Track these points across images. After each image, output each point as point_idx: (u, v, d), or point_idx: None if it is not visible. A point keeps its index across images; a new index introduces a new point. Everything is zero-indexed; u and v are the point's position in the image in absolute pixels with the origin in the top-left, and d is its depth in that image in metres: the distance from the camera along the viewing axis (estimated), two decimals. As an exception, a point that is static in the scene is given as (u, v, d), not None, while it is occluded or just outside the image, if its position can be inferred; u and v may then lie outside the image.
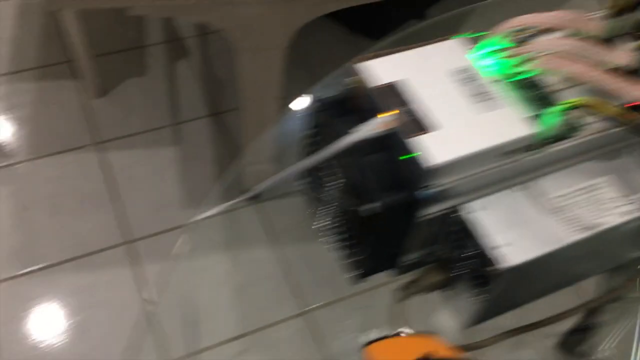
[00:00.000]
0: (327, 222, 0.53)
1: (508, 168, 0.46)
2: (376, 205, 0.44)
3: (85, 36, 1.39)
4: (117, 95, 1.58)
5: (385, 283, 0.62)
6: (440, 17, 1.02)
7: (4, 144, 1.46)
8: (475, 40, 0.50)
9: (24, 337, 1.20)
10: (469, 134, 0.45)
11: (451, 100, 0.46)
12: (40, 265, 1.30)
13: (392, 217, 0.46)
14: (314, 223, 0.55)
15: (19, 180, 1.41)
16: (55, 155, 1.45)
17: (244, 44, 1.05)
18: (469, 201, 0.46)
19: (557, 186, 0.48)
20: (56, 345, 1.20)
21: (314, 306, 1.30)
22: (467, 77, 0.47)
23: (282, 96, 1.20)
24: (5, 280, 1.27)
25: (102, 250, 1.33)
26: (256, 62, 1.08)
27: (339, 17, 1.71)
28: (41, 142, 1.47)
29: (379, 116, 0.45)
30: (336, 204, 0.50)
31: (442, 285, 0.53)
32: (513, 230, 0.46)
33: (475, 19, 0.98)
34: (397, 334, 0.29)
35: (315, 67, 1.69)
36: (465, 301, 0.51)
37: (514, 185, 0.47)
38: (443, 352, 0.28)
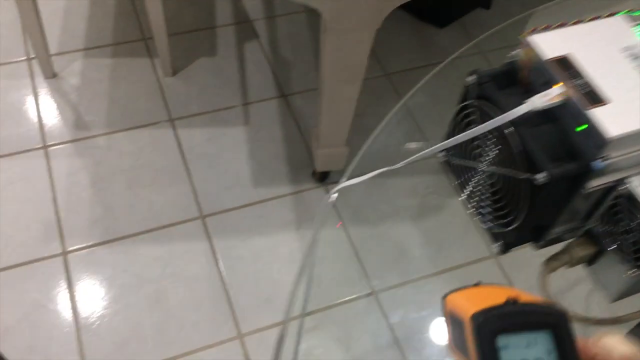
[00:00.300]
0: (476, 193, 0.55)
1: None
2: (550, 173, 0.45)
3: (163, 15, 1.42)
4: (189, 75, 1.61)
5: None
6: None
7: (82, 118, 1.50)
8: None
9: (101, 303, 1.24)
10: (641, 109, 0.46)
11: (622, 74, 0.47)
12: (117, 236, 1.33)
13: (559, 187, 0.47)
14: (461, 194, 0.56)
15: (96, 153, 1.45)
16: (131, 130, 1.49)
17: (337, 25, 1.06)
18: (636, 175, 0.48)
19: None
20: (132, 313, 1.24)
21: (383, 287, 1.32)
22: (636, 53, 0.49)
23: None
24: (83, 249, 1.31)
25: (176, 223, 1.36)
26: (346, 43, 1.10)
27: (407, 5, 1.71)
28: (117, 117, 1.51)
29: (554, 87, 0.46)
30: (493, 174, 0.52)
31: (590, 259, 0.54)
32: (679, 205, 0.47)
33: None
34: (477, 284, 0.29)
35: (384, 53, 1.71)
36: (614, 275, 0.52)
37: (683, 161, 0.48)
38: (525, 297, 0.28)
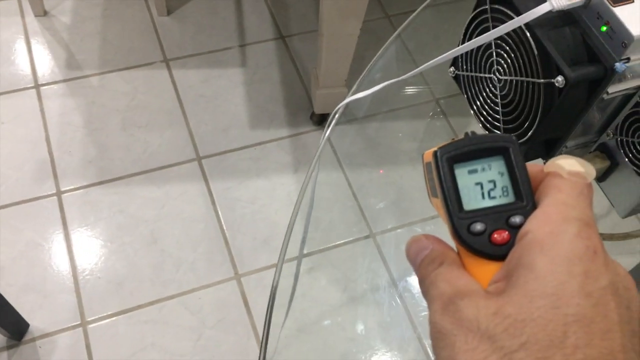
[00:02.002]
0: (487, 106, 0.53)
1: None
2: (572, 75, 0.43)
3: (157, -51, 1.37)
4: (184, 14, 1.56)
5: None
6: None
7: (74, 57, 1.46)
8: None
9: (96, 243, 1.23)
10: (668, 9, 0.44)
11: (647, -26, 0.45)
12: (112, 177, 1.31)
13: (578, 92, 0.46)
14: (471, 107, 0.54)
15: (90, 93, 1.41)
16: (125, 70, 1.45)
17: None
18: (658, 80, 0.46)
19: None
20: (128, 253, 1.23)
21: (380, 230, 1.31)
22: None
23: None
24: (78, 189, 1.29)
25: (172, 165, 1.34)
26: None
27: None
28: (111, 56, 1.47)
29: (575, -13, 0.44)
30: (505, 84, 0.50)
31: (602, 175, 0.53)
32: (700, 112, 0.45)
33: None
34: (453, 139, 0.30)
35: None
36: (627, 190, 0.51)
37: None
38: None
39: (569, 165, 0.28)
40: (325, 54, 1.25)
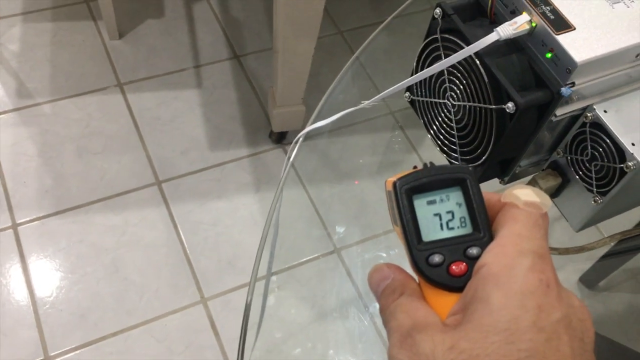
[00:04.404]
0: (443, 130, 0.55)
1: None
2: (520, 101, 0.45)
3: (105, -27, 1.36)
4: (136, 37, 1.55)
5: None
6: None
7: (24, 85, 1.43)
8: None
9: (56, 275, 1.20)
10: (607, 34, 0.46)
11: (586, 0, 0.47)
12: (70, 206, 1.29)
13: (527, 117, 0.47)
14: (428, 131, 0.56)
15: (42, 121, 1.38)
16: (78, 97, 1.43)
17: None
18: (602, 101, 0.48)
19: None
20: (90, 283, 1.20)
21: (345, 245, 1.32)
22: (600, -20, 0.48)
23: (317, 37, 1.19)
24: (34, 220, 1.26)
25: (131, 190, 1.33)
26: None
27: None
28: (62, 83, 1.44)
29: (520, 15, 0.46)
30: (459, 110, 0.51)
31: (554, 191, 0.55)
32: (642, 130, 0.47)
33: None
34: (415, 167, 0.32)
35: (337, 11, 1.68)
36: (579, 205, 0.53)
37: (645, 86, 0.49)
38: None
39: (525, 195, 0.29)
40: (281, 72, 1.25)
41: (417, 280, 0.31)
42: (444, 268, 0.29)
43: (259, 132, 1.45)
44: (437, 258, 0.29)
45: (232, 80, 1.52)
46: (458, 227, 0.30)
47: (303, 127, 1.38)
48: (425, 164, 0.32)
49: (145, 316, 1.19)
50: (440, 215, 0.30)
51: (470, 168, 0.31)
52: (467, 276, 0.28)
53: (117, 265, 1.24)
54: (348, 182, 1.41)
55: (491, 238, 0.29)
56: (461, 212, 0.30)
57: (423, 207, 0.30)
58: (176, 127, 1.43)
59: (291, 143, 1.47)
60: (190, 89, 1.49)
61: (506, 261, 0.26)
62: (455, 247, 0.29)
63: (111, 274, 1.22)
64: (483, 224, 0.29)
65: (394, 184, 0.30)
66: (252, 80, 1.53)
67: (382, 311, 0.30)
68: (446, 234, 0.30)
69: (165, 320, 1.19)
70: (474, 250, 0.29)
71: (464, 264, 0.28)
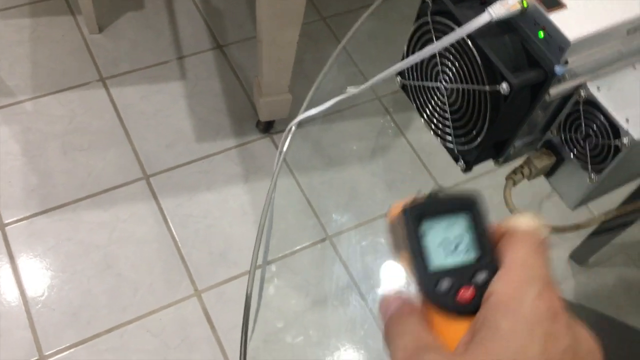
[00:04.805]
0: (436, 114, 0.54)
1: (633, 45, 0.48)
2: (514, 82, 0.45)
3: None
4: (116, 31, 1.53)
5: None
6: None
7: (4, 83, 1.40)
8: None
9: (47, 274, 1.19)
10: (598, 11, 0.46)
11: (577, -21, 0.47)
12: (57, 204, 1.27)
13: (521, 97, 0.47)
14: (421, 115, 0.56)
15: (25, 119, 1.36)
16: (60, 93, 1.41)
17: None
18: (595, 79, 0.48)
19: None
20: (81, 281, 1.19)
21: (338, 232, 1.32)
22: (589, -43, 0.48)
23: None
24: (22, 220, 1.24)
25: (119, 186, 1.31)
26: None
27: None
28: (43, 79, 1.42)
29: (511, -4, 0.46)
30: (452, 93, 0.51)
31: (549, 170, 0.55)
32: (635, 107, 0.48)
33: None
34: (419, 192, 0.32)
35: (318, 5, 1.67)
36: (574, 183, 0.53)
37: (637, 60, 0.49)
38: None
39: (525, 222, 0.29)
40: (265, 62, 1.24)
41: (425, 308, 0.31)
42: (453, 294, 0.29)
43: (245, 122, 1.44)
44: (445, 284, 0.29)
45: (216, 70, 1.51)
46: (465, 253, 0.30)
47: (290, 116, 1.38)
48: (432, 191, 0.32)
49: (139, 311, 1.18)
50: (448, 242, 0.31)
51: (477, 195, 0.31)
52: (475, 302, 0.28)
53: (109, 261, 1.23)
54: (338, 169, 1.41)
55: (496, 264, 0.29)
56: (468, 237, 0.30)
57: (431, 234, 0.31)
58: (161, 120, 1.41)
59: (278, 132, 1.47)
60: (173, 81, 1.48)
61: (514, 289, 0.27)
62: (462, 273, 0.29)
63: (103, 270, 1.21)
64: (489, 250, 0.30)
65: (404, 211, 0.30)
66: (236, 70, 1.52)
67: (387, 332, 0.30)
68: (454, 260, 0.30)
69: (160, 315, 1.19)
70: (481, 276, 0.29)
71: (472, 287, 0.29)
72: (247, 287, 0.87)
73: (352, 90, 0.55)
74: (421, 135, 1.48)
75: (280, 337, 1.20)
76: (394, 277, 1.30)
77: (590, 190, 0.52)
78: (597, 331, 0.84)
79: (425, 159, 1.45)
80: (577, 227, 0.58)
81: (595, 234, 1.26)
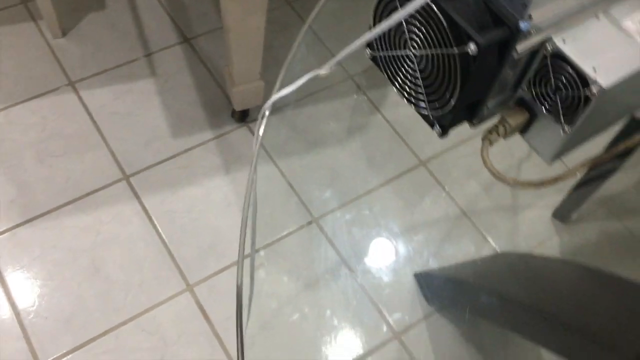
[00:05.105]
0: (408, 82, 0.55)
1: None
2: (482, 41, 0.45)
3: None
4: (80, 33, 1.50)
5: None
6: None
7: (-29, 95, 1.38)
8: None
9: (36, 284, 1.18)
10: (557, -35, 0.47)
11: None
12: (39, 213, 1.26)
13: (489, 56, 0.48)
14: (393, 85, 0.56)
15: (-4, 130, 1.34)
16: (29, 101, 1.39)
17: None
18: (559, 32, 0.49)
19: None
20: (71, 287, 1.19)
21: (323, 213, 1.33)
22: None
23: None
24: (4, 232, 1.23)
25: (99, 189, 1.30)
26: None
27: None
28: (11, 89, 1.40)
29: (471, -44, 0.46)
30: (422, 59, 0.52)
31: (523, 127, 0.56)
32: (601, 56, 0.49)
33: None
34: None
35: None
36: (548, 137, 0.54)
37: (599, 11, 0.49)
38: None
39: None
40: (234, 51, 1.24)
41: None
42: None
43: (220, 113, 1.44)
44: None
45: (186, 64, 1.50)
46: None
47: (264, 103, 1.38)
48: None
49: (133, 311, 1.18)
50: None
51: None
52: None
53: (97, 265, 1.22)
54: (317, 151, 1.42)
55: None
56: None
57: None
58: (135, 119, 1.40)
59: (254, 120, 1.46)
60: (144, 79, 1.46)
61: None
62: None
63: (92, 275, 1.21)
64: None
65: None
66: (206, 62, 1.51)
67: None
68: None
69: (154, 313, 1.19)
70: None
71: None
72: (237, 278, 0.88)
73: (323, 71, 0.55)
74: (397, 110, 1.49)
75: (276, 321, 1.20)
76: (382, 251, 1.31)
77: (564, 142, 0.53)
78: (586, 284, 0.86)
79: (403, 133, 1.46)
80: (555, 180, 0.59)
81: (575, 190, 1.28)
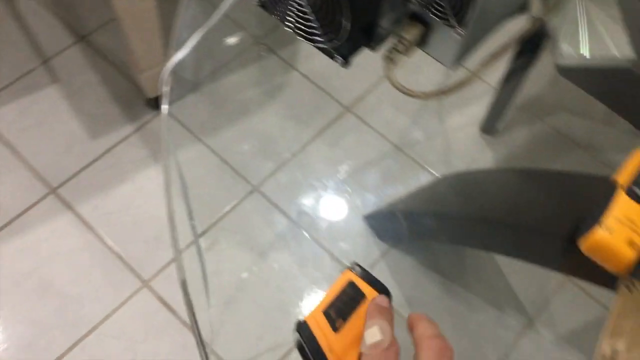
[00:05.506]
0: (299, 20, 0.54)
1: None
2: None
3: None
4: (-33, 54, 1.42)
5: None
6: None
7: None
8: None
9: (-12, 318, 1.14)
10: None
11: None
12: (-30, 247, 1.20)
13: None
14: (286, 26, 0.55)
15: None
16: None
17: None
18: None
19: None
20: (23, 311, 1.15)
21: (260, 180, 1.33)
22: None
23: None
24: (-61, 276, 1.17)
25: (27, 209, 1.25)
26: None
27: None
28: None
29: None
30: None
31: (421, 40, 0.56)
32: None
33: None
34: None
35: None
36: (445, 43, 0.55)
37: None
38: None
39: (370, 337, 0.35)
40: (131, 38, 1.20)
41: None
42: None
43: (134, 104, 1.40)
44: None
45: (87, 62, 1.44)
46: None
47: (174, 82, 1.34)
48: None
49: (93, 321, 1.16)
50: None
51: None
52: None
53: (45, 285, 1.18)
54: (243, 121, 1.40)
55: None
56: None
57: None
58: (48, 129, 1.35)
59: (170, 103, 1.43)
60: (47, 87, 1.40)
61: None
62: None
63: (41, 295, 1.17)
64: None
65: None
66: (107, 56, 1.45)
67: None
68: None
69: (115, 317, 1.16)
70: None
71: None
72: (178, 275, 0.87)
73: (199, 35, 0.54)
74: (311, 62, 1.49)
75: (240, 296, 1.20)
76: (328, 203, 1.32)
77: (461, 45, 0.54)
78: (520, 184, 0.89)
79: (322, 83, 1.46)
80: (462, 83, 0.60)
81: (496, 102, 1.32)
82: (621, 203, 0.49)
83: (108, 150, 1.34)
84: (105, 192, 1.29)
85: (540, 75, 1.40)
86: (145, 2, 1.14)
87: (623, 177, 0.53)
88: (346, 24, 0.50)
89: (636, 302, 0.48)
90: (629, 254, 0.47)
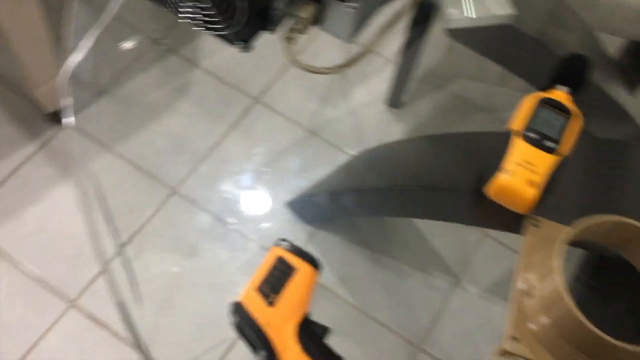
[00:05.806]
0: (194, 9, 0.55)
1: None
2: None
3: None
4: None
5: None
6: None
7: None
8: None
9: None
10: None
11: None
12: None
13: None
14: (181, 18, 0.55)
15: None
16: None
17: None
18: None
19: None
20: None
21: (178, 181, 1.31)
22: None
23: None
24: None
25: None
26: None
27: None
28: None
29: None
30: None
31: (317, 17, 0.58)
32: None
33: None
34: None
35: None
36: (340, 18, 0.57)
37: None
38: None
39: None
40: (20, 51, 1.15)
41: None
42: None
43: (34, 121, 1.34)
44: None
45: (-24, 84, 1.36)
46: None
47: (73, 93, 1.30)
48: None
49: (20, 352, 1.11)
50: None
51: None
52: None
53: (-38, 321, 1.12)
54: (152, 124, 1.37)
55: None
56: None
57: None
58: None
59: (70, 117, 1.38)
60: None
61: None
62: None
63: (-39, 333, 1.11)
64: None
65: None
66: (-3, 75, 1.38)
67: None
68: None
69: (43, 344, 1.12)
70: None
71: None
72: (109, 288, 0.85)
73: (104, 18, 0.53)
74: (213, 58, 1.48)
75: (174, 299, 1.19)
76: (249, 195, 1.33)
77: (356, 18, 0.56)
78: (429, 149, 0.93)
79: (226, 78, 1.45)
80: (360, 55, 0.62)
81: (397, 76, 1.37)
82: (518, 148, 0.54)
83: (12, 173, 1.28)
84: (17, 215, 1.23)
85: (436, 46, 1.46)
86: (30, 11, 1.09)
87: (516, 124, 0.57)
88: (243, 7, 0.51)
89: (544, 235, 0.52)
90: (530, 193, 0.52)
